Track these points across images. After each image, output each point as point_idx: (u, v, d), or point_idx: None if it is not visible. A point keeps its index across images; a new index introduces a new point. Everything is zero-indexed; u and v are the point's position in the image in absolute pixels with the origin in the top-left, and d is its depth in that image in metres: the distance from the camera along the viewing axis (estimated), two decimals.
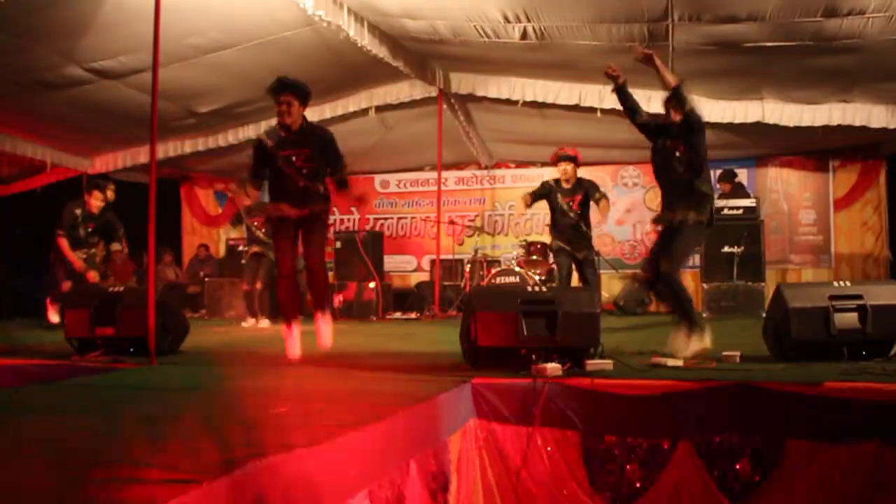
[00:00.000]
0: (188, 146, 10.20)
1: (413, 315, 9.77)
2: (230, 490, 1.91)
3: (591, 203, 7.09)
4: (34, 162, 10.39)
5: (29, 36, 6.20)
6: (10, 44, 6.31)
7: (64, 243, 7.62)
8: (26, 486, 1.88)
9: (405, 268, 12.24)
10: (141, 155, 10.59)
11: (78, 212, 7.69)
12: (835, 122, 8.19)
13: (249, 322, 8.39)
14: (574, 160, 7.09)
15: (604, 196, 7.13)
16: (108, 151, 10.93)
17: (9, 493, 1.81)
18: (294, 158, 4.83)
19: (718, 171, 10.83)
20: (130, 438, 2.50)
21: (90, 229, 7.83)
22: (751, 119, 8.27)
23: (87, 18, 6.01)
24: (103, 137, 10.06)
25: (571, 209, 7.05)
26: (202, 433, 2.55)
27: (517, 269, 8.86)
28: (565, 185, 7.07)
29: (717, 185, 9.96)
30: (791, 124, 8.25)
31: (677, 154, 4.84)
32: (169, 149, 10.16)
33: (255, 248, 8.35)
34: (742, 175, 10.49)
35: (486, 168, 11.79)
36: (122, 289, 5.30)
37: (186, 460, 2.11)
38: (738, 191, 9.82)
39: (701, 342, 4.43)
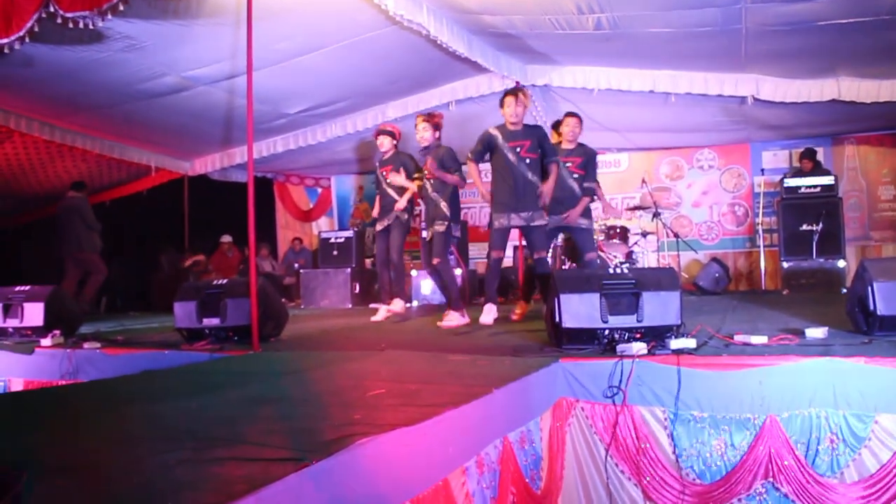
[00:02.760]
0: (280, 145, 10.52)
1: (498, 300, 9.86)
2: (338, 468, 2.00)
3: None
4: (140, 166, 10.95)
5: (133, 50, 6.60)
6: (117, 58, 6.73)
7: None
8: (149, 464, 2.00)
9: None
10: (236, 156, 11.03)
11: None
12: None
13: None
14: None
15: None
16: (206, 154, 11.39)
17: (133, 471, 1.94)
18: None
19: (799, 150, 10.73)
20: (241, 420, 2.61)
21: None
22: (826, 97, 8.06)
23: (184, 31, 6.34)
24: (200, 140, 10.48)
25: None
26: (307, 414, 2.66)
27: (598, 252, 8.93)
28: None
29: (799, 163, 9.81)
30: (868, 100, 7.99)
31: None
32: (262, 148, 10.53)
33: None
34: (819, 153, 10.29)
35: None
36: (225, 281, 5.50)
37: (295, 439, 2.21)
38: (819, 168, 9.65)
39: None
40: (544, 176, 5.76)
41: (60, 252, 9.33)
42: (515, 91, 5.74)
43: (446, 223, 6.21)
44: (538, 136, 5.73)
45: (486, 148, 5.78)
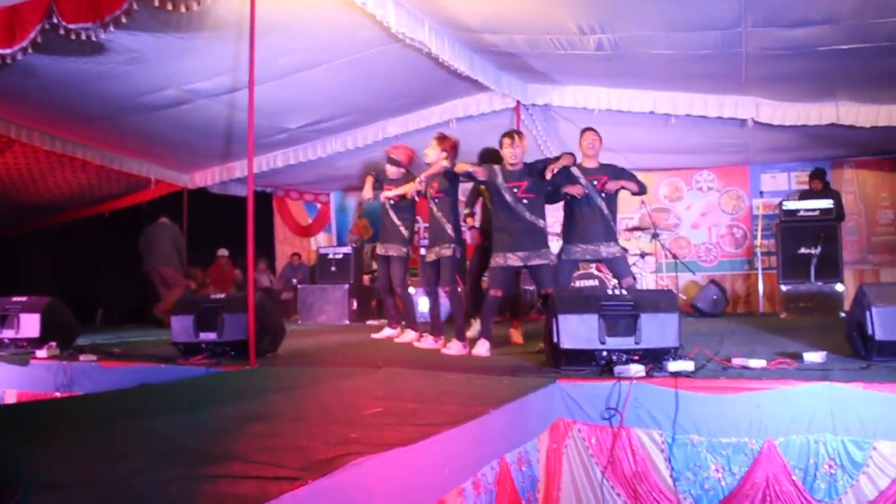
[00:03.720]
0: (280, 160, 10.52)
1: (496, 318, 9.85)
2: (334, 487, 2.00)
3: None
4: (140, 178, 10.94)
5: (135, 63, 6.61)
6: (119, 70, 6.74)
7: None
8: (143, 481, 1.98)
9: (486, 273, 12.32)
10: (236, 169, 11.03)
11: None
12: None
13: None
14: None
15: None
16: (206, 167, 11.39)
17: (127, 487, 1.93)
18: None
19: (799, 172, 10.75)
20: (236, 436, 2.59)
21: None
22: (825, 121, 8.10)
23: (185, 44, 6.35)
24: (201, 154, 10.47)
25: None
26: (302, 432, 2.64)
27: (596, 272, 8.96)
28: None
29: (809, 184, 9.84)
30: (867, 125, 8.04)
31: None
32: (262, 163, 10.52)
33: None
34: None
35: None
36: (223, 296, 5.50)
37: (290, 458, 2.19)
38: (828, 189, 9.71)
39: None
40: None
41: (145, 265, 10.10)
42: (512, 133, 5.74)
43: (453, 247, 6.17)
44: (537, 171, 5.63)
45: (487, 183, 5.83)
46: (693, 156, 10.85)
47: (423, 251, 6.78)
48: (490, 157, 6.41)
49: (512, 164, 5.66)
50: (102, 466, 2.21)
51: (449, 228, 6.19)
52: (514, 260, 5.59)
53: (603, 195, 5.79)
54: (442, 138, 6.37)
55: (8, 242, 13.46)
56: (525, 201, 5.58)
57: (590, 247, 5.79)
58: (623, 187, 5.81)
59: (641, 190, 5.92)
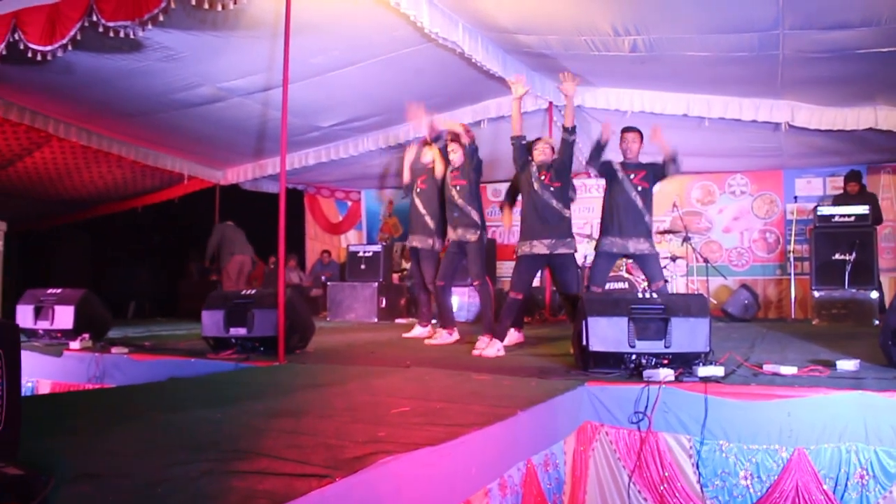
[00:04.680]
0: (311, 158, 10.60)
1: (525, 319, 9.83)
2: (362, 486, 2.00)
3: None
4: (173, 174, 11.09)
5: (171, 60, 6.69)
6: (155, 67, 6.83)
7: None
8: (174, 475, 1.99)
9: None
10: (268, 166, 11.14)
11: None
12: None
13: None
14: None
15: None
16: (238, 164, 11.51)
17: (158, 481, 1.93)
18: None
19: (834, 177, 10.57)
20: (265, 432, 2.59)
21: None
22: (863, 125, 7.98)
23: (221, 42, 6.41)
24: (233, 150, 10.59)
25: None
26: (331, 429, 2.64)
27: (626, 275, 8.89)
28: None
29: (844, 187, 9.68)
30: None
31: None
32: (294, 160, 10.60)
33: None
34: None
35: (595, 177, 11.72)
36: (254, 292, 5.53)
37: (318, 455, 2.19)
38: (864, 192, 9.53)
39: None
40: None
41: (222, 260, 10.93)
42: (541, 138, 5.95)
43: (478, 232, 6.17)
44: (563, 163, 5.76)
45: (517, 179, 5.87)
46: (726, 159, 10.74)
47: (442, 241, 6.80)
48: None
49: (541, 160, 5.75)
50: (133, 459, 2.23)
51: (475, 215, 6.19)
52: (539, 248, 5.63)
53: (639, 188, 5.79)
54: (454, 137, 6.46)
55: (43, 236, 13.70)
56: (552, 189, 5.66)
57: (618, 240, 5.78)
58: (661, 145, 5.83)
59: (675, 167, 5.89)
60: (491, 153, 10.67)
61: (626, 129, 6.01)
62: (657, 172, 5.89)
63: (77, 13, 5.08)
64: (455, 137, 6.45)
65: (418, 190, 6.83)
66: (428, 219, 6.75)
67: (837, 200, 9.46)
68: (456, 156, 6.39)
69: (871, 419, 3.41)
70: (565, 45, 6.89)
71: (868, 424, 3.41)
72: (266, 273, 12.68)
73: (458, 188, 6.32)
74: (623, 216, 5.76)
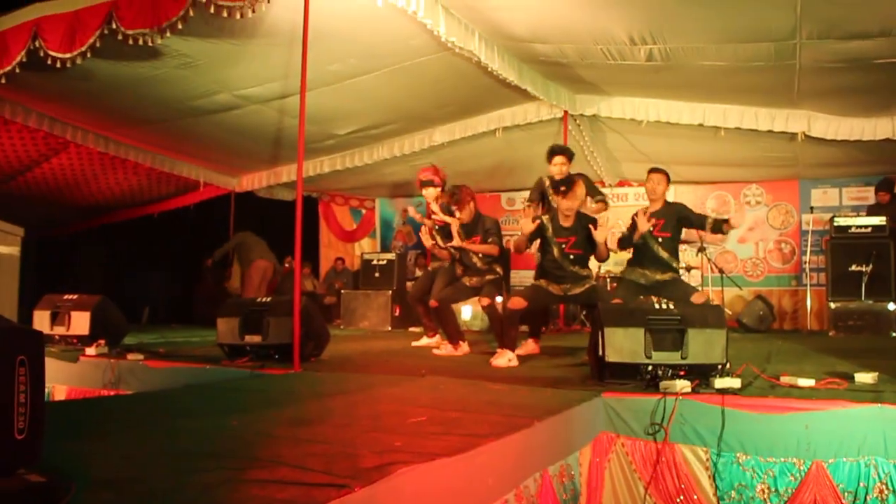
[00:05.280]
0: (327, 166, 10.58)
1: (542, 329, 9.81)
2: (380, 496, 2.00)
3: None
4: (188, 181, 11.15)
5: (188, 67, 6.73)
6: (172, 75, 6.87)
7: None
8: (192, 482, 1.99)
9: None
10: (283, 174, 11.15)
11: None
12: None
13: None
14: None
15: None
16: (253, 171, 11.53)
17: (177, 488, 1.95)
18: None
19: (852, 188, 10.48)
20: (282, 441, 2.60)
21: None
22: (880, 136, 7.90)
23: (238, 50, 6.45)
24: (249, 158, 10.61)
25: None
26: (348, 438, 2.64)
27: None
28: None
29: (875, 195, 9.58)
30: None
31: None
32: (309, 168, 10.62)
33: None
34: (870, 193, 10.14)
35: (610, 186, 11.73)
36: (269, 299, 5.56)
37: (337, 465, 2.19)
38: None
39: None
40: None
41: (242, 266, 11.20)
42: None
43: (498, 277, 6.34)
44: (584, 227, 5.66)
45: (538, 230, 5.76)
46: (742, 169, 10.69)
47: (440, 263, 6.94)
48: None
49: (565, 218, 5.70)
50: (152, 466, 2.24)
51: (498, 268, 6.37)
52: (555, 289, 5.73)
53: (660, 240, 5.88)
54: (450, 196, 6.40)
55: (60, 241, 13.79)
56: (571, 257, 5.69)
57: (637, 269, 6.03)
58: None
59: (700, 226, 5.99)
60: (506, 162, 10.73)
61: (652, 171, 6.08)
62: (680, 216, 5.98)
63: (97, 21, 5.13)
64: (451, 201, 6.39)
65: (437, 227, 6.83)
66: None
67: (871, 211, 9.36)
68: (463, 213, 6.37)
69: (891, 432, 3.38)
70: (581, 54, 6.88)
71: (888, 438, 3.38)
72: (281, 274, 12.71)
73: (479, 256, 6.36)
74: (644, 259, 5.98)
